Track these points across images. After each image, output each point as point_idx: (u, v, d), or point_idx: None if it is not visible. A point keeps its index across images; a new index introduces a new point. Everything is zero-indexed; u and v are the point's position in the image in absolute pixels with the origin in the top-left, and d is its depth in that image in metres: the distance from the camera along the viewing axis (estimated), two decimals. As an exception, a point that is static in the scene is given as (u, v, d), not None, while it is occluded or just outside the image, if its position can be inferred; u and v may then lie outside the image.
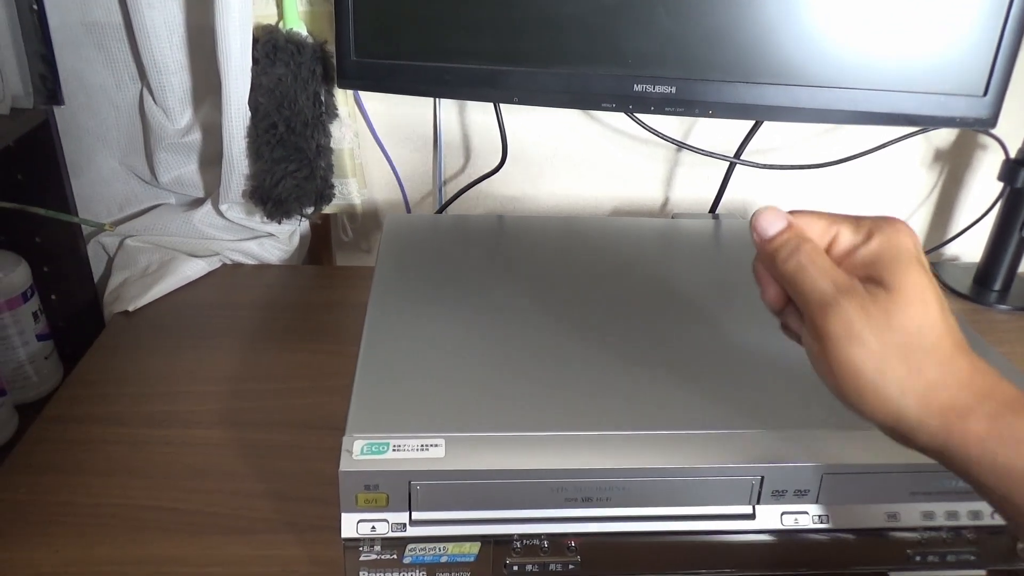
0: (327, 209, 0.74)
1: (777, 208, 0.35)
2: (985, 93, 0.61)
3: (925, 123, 0.63)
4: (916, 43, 0.60)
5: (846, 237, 0.35)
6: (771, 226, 0.35)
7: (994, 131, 0.75)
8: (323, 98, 0.68)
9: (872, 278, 0.33)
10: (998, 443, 0.30)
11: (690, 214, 0.79)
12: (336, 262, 0.84)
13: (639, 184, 0.82)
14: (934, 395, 0.31)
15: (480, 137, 0.78)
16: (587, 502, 0.40)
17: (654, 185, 0.82)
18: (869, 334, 0.31)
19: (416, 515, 0.39)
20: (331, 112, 0.69)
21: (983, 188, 0.83)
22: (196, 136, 0.71)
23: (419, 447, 0.39)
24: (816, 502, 0.41)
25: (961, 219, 0.85)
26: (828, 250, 0.35)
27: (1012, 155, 0.74)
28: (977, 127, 0.63)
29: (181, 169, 0.73)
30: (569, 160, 0.80)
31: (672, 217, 0.74)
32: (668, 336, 0.50)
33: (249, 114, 0.67)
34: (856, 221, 0.35)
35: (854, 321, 0.32)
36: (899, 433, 0.32)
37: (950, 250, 0.87)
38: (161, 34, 0.65)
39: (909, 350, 0.31)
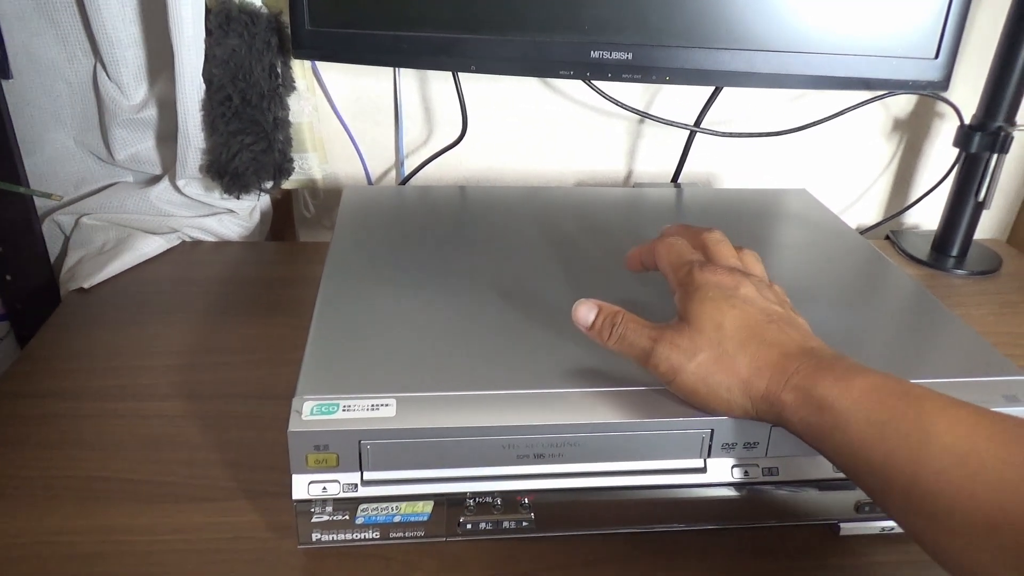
0: (287, 184, 0.73)
1: (587, 300, 0.42)
2: (936, 56, 0.61)
3: (879, 87, 0.64)
4: (869, 7, 0.61)
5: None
6: (587, 317, 0.41)
7: (950, 98, 0.76)
8: (279, 70, 0.67)
9: (679, 314, 0.40)
10: (805, 410, 0.35)
11: (652, 183, 0.79)
12: (299, 238, 0.84)
13: (603, 156, 0.82)
14: (754, 385, 0.37)
15: (443, 109, 0.78)
16: (539, 459, 0.40)
17: (618, 156, 0.83)
18: (685, 361, 0.38)
19: (368, 475, 0.39)
20: (288, 84, 0.69)
21: (941, 156, 0.84)
22: (152, 112, 0.70)
23: (370, 407, 0.39)
24: (766, 455, 0.42)
25: (920, 187, 0.86)
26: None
27: (967, 122, 0.74)
28: (930, 90, 0.64)
29: (137, 146, 0.72)
30: (534, 133, 0.80)
31: (634, 187, 0.74)
32: (622, 297, 0.50)
33: (203, 86, 0.66)
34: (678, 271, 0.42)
35: (670, 357, 0.38)
36: (759, 419, 0.38)
37: (910, 218, 0.88)
38: (113, 7, 0.64)
39: (719, 360, 0.38)
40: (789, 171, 0.85)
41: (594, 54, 0.62)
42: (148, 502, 0.45)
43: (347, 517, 0.40)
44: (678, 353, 0.38)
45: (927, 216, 0.88)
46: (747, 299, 0.39)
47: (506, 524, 0.41)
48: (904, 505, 0.32)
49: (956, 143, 0.74)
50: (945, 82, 0.63)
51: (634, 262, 0.48)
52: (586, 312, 0.41)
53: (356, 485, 0.39)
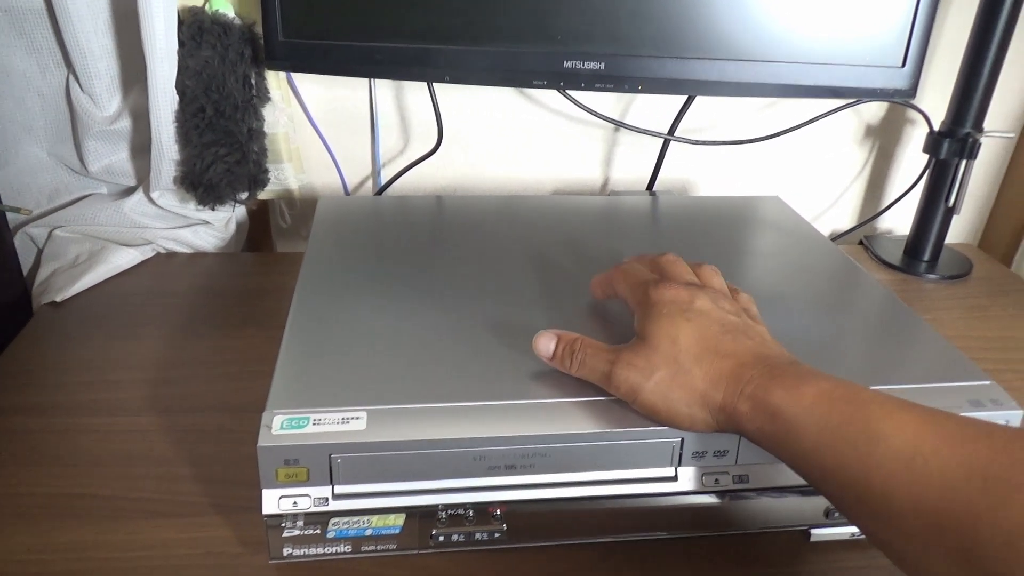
0: (263, 195, 0.73)
1: (545, 332, 0.43)
2: (903, 64, 0.62)
3: (848, 95, 0.65)
4: (837, 16, 0.62)
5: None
6: (547, 347, 0.42)
7: (919, 105, 0.77)
8: (253, 81, 0.67)
9: (637, 333, 0.41)
10: (760, 419, 0.36)
11: (627, 191, 0.79)
12: (276, 249, 0.83)
13: (579, 165, 0.83)
14: (711, 398, 0.38)
15: (419, 119, 0.78)
16: (510, 470, 0.40)
17: (594, 165, 0.83)
18: (642, 380, 0.39)
19: (339, 489, 0.39)
20: (263, 95, 0.69)
21: (912, 162, 0.85)
22: (126, 123, 0.70)
23: (340, 420, 0.39)
24: (736, 463, 0.42)
25: (892, 193, 0.87)
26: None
27: (936, 128, 0.75)
28: (897, 98, 0.65)
29: (111, 157, 0.72)
30: (510, 142, 0.80)
31: (610, 195, 0.75)
32: (597, 307, 0.50)
33: (177, 98, 0.65)
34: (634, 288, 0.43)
35: (629, 377, 0.39)
36: (721, 431, 0.39)
37: (883, 224, 0.89)
38: (85, 18, 0.64)
39: (676, 376, 0.38)
40: (764, 178, 0.86)
41: (567, 64, 0.62)
42: (120, 518, 0.44)
43: (318, 531, 0.40)
44: (636, 373, 0.39)
45: (900, 221, 0.89)
46: (702, 312, 0.40)
47: (478, 536, 0.41)
48: (859, 510, 0.33)
49: (926, 149, 0.75)
50: (912, 90, 0.64)
51: (597, 290, 0.49)
52: (546, 343, 0.42)
53: (327, 499, 0.39)
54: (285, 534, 0.39)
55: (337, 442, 0.38)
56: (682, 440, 0.41)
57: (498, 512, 0.41)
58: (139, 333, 0.61)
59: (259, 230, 0.81)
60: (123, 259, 0.69)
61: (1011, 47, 0.70)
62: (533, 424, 0.39)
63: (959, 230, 0.91)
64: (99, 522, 0.44)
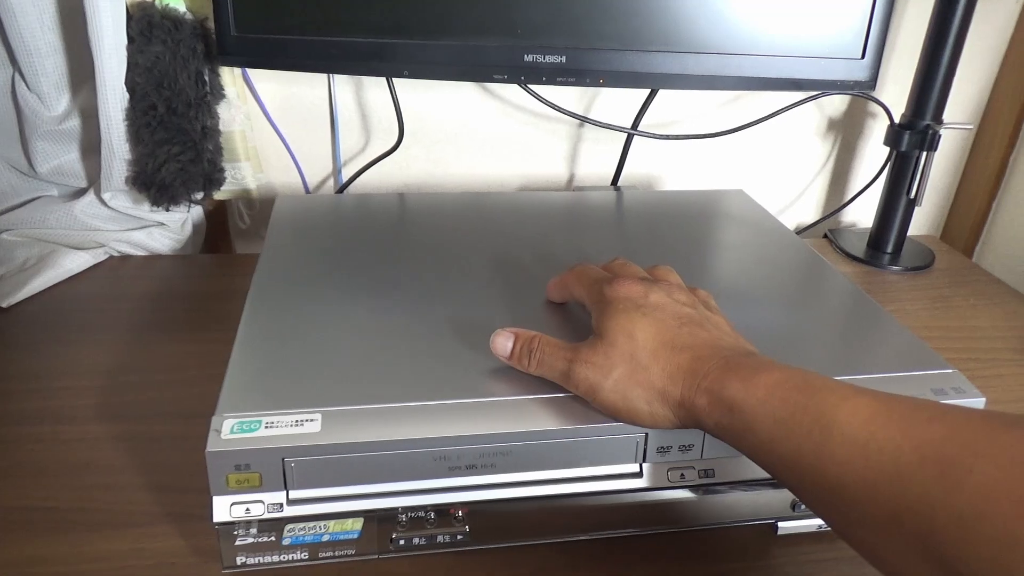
0: (220, 195, 0.71)
1: (503, 330, 0.42)
2: (863, 56, 0.62)
3: (809, 87, 0.65)
4: (798, 8, 0.62)
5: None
6: (504, 346, 0.42)
7: (880, 98, 0.78)
8: (207, 77, 0.65)
9: (594, 331, 0.40)
10: (718, 412, 0.35)
11: (592, 187, 0.79)
12: (236, 250, 0.82)
13: (544, 161, 0.82)
14: (669, 394, 0.37)
15: (380, 116, 0.77)
16: (471, 469, 0.39)
17: (559, 161, 0.82)
18: (601, 378, 0.38)
19: (293, 494, 0.38)
20: (217, 92, 0.67)
21: (875, 155, 0.86)
22: (75, 122, 0.68)
23: (294, 423, 0.37)
24: (701, 457, 0.41)
25: (856, 185, 0.88)
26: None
27: (897, 121, 0.76)
28: (858, 90, 0.65)
29: (61, 158, 0.69)
30: (474, 138, 0.79)
31: (575, 190, 0.74)
32: (559, 306, 0.50)
33: (127, 96, 0.63)
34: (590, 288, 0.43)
35: (587, 376, 0.38)
36: (683, 426, 0.38)
37: (847, 216, 0.90)
38: (30, 15, 0.62)
39: (634, 373, 0.37)
40: (728, 172, 0.86)
41: (528, 57, 0.61)
42: (68, 530, 0.42)
43: (273, 538, 0.38)
44: (594, 371, 0.38)
45: (864, 214, 0.89)
46: (657, 305, 0.39)
47: (441, 538, 0.40)
48: (818, 500, 0.32)
49: (887, 142, 0.76)
50: (872, 81, 0.64)
51: (553, 293, 0.49)
52: (503, 342, 0.42)
53: (281, 505, 0.38)
54: (238, 542, 0.38)
55: (290, 445, 0.36)
56: (646, 435, 0.40)
57: (460, 513, 0.40)
58: (90, 339, 0.59)
59: (217, 231, 0.79)
60: (74, 263, 0.67)
61: (968, 39, 0.70)
62: (494, 422, 0.38)
63: (921, 222, 0.92)
64: (45, 535, 0.42)
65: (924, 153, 0.74)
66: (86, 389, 0.53)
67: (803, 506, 0.43)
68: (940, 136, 0.73)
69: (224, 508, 0.37)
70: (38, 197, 0.72)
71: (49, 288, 0.65)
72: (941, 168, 0.88)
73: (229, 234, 0.80)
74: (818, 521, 0.44)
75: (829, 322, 0.51)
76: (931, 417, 0.29)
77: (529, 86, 0.71)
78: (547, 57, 0.61)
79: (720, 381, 0.35)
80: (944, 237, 0.92)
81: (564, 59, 0.61)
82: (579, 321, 0.47)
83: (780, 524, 0.44)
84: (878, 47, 0.62)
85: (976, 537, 0.25)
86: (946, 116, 0.74)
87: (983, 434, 0.27)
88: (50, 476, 0.46)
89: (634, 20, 0.61)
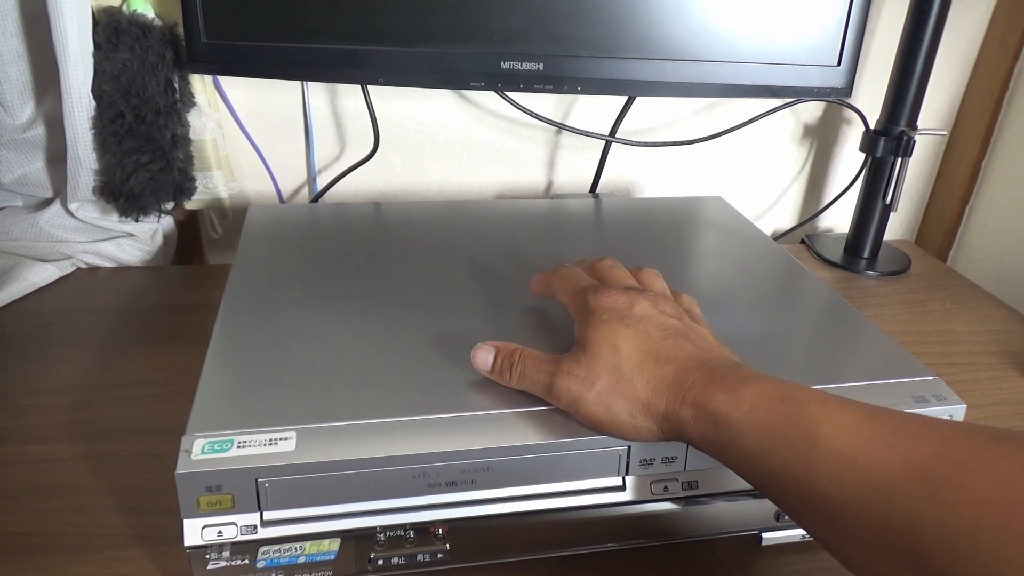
0: (191, 204, 0.70)
1: (484, 344, 0.41)
2: (839, 63, 0.63)
3: (785, 94, 0.65)
4: (774, 16, 0.62)
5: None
6: (485, 360, 0.41)
7: (856, 104, 0.78)
8: (176, 85, 0.64)
9: (577, 342, 0.40)
10: (703, 425, 0.35)
11: (570, 194, 0.78)
12: (208, 261, 0.80)
13: (522, 169, 0.81)
14: (654, 406, 0.36)
15: (355, 124, 0.76)
16: (452, 486, 0.38)
17: (537, 169, 0.82)
18: (584, 390, 0.37)
19: (268, 515, 0.37)
20: (187, 100, 0.65)
21: (851, 161, 0.87)
22: (40, 131, 0.66)
23: (267, 441, 0.36)
24: (684, 469, 0.41)
25: (832, 191, 0.88)
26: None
27: (872, 127, 0.76)
28: (834, 97, 0.65)
29: (25, 167, 0.68)
30: (451, 146, 0.79)
31: (553, 198, 0.74)
32: (541, 311, 0.49)
33: (93, 103, 0.62)
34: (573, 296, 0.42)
35: (570, 388, 0.37)
36: (667, 439, 0.37)
37: (824, 222, 0.90)
38: (-9, 21, 0.60)
39: (617, 385, 0.37)
40: (706, 179, 0.86)
41: (505, 64, 0.61)
42: (35, 555, 0.41)
43: (247, 561, 0.37)
44: (577, 383, 0.37)
45: (840, 219, 0.90)
46: (642, 317, 0.39)
47: (420, 557, 0.39)
48: (804, 513, 0.32)
49: (862, 148, 0.76)
50: (848, 88, 0.64)
51: (536, 288, 0.48)
52: (484, 356, 0.41)
53: (255, 526, 0.36)
54: (210, 566, 0.37)
55: (264, 465, 0.35)
56: (629, 448, 0.39)
57: (440, 531, 0.39)
58: (56, 354, 0.57)
59: (190, 242, 0.78)
60: (39, 276, 0.65)
61: (941, 46, 0.71)
62: (474, 438, 0.38)
63: (896, 227, 0.93)
64: (10, 560, 0.40)
65: (899, 159, 0.75)
66: (53, 407, 0.52)
67: (787, 517, 0.43)
68: (915, 142, 0.74)
69: (195, 531, 0.36)
70: (2, 208, 0.70)
71: (14, 302, 0.63)
72: (915, 174, 0.89)
73: (201, 244, 0.79)
74: (801, 531, 0.43)
75: (809, 329, 0.51)
76: (919, 431, 0.29)
77: (506, 93, 0.71)
78: (524, 64, 0.61)
79: (705, 393, 0.35)
80: (919, 242, 0.93)
81: (541, 66, 0.61)
82: (561, 332, 0.47)
83: (764, 535, 0.43)
84: (854, 54, 0.62)
85: (965, 553, 0.25)
86: (920, 122, 0.75)
87: (971, 450, 0.27)
88: (15, 499, 0.44)
89: (611, 27, 0.60)
